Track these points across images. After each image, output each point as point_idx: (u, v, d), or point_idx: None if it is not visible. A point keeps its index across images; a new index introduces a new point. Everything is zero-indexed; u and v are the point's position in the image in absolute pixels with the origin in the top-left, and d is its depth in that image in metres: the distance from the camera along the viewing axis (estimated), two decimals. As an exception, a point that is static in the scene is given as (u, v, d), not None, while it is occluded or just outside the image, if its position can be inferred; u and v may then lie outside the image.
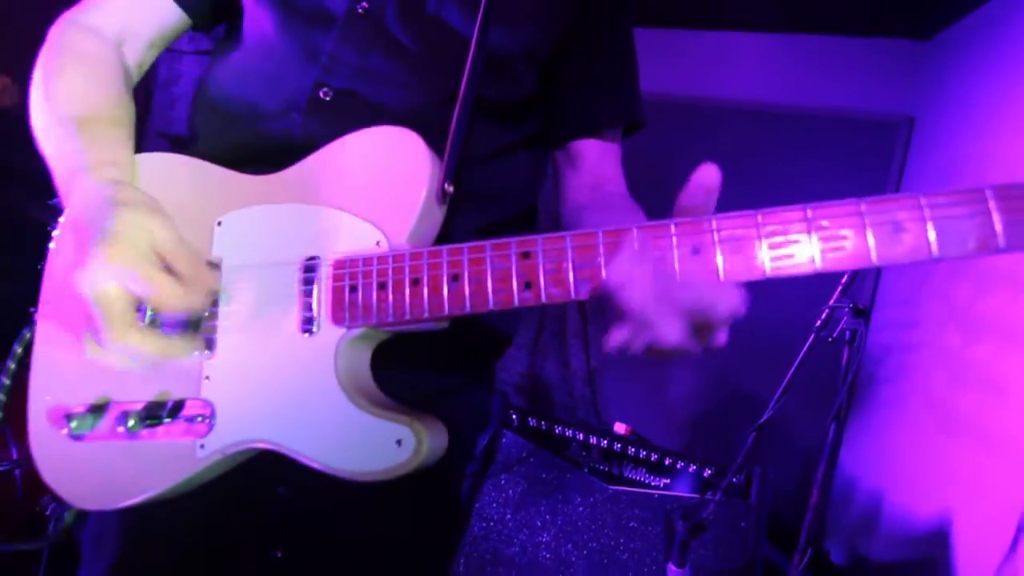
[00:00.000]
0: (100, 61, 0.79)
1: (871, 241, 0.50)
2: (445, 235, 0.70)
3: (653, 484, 1.94)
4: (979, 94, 2.24)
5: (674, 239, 0.54)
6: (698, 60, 3.02)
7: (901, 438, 2.37)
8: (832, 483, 2.78)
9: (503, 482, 1.91)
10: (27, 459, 1.84)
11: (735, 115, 2.96)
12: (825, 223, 0.51)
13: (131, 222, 0.60)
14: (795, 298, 1.49)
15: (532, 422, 2.05)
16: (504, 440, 1.95)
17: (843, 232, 0.51)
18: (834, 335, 1.56)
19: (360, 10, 0.76)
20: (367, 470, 0.60)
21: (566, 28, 0.84)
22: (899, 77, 2.74)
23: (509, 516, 1.89)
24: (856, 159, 2.77)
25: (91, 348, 0.62)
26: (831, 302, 1.61)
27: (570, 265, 0.56)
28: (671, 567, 1.69)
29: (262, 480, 0.78)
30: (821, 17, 2.72)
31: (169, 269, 0.60)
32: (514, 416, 2.05)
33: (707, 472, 1.89)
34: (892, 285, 2.69)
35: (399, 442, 0.59)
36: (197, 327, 0.67)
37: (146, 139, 1.00)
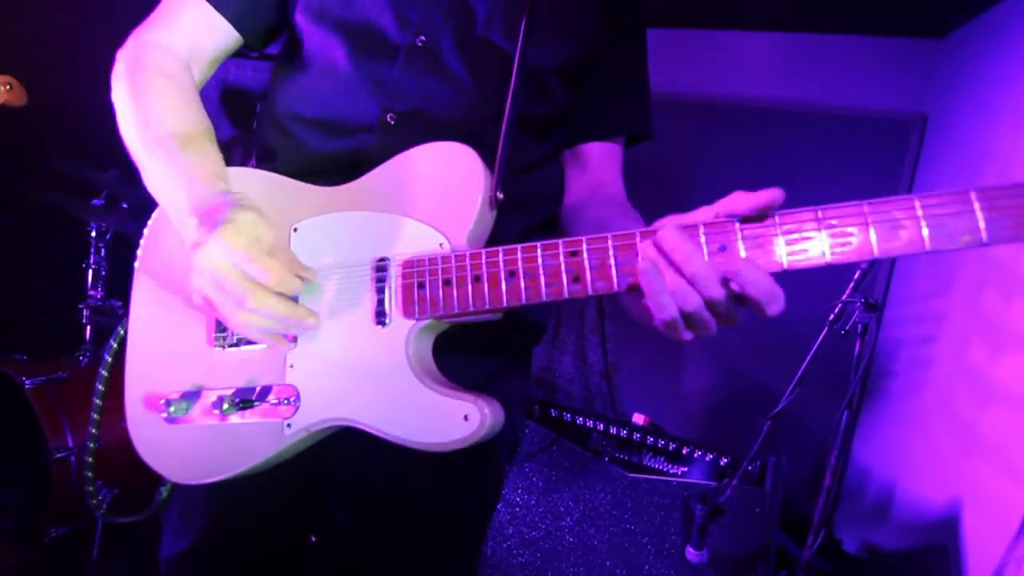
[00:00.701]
0: (183, 82, 0.87)
1: (873, 237, 0.58)
2: (492, 236, 0.78)
3: (671, 472, 2.01)
4: (992, 92, 2.27)
5: (703, 237, 0.62)
6: (715, 59, 3.07)
7: (912, 430, 2.42)
8: (845, 474, 2.84)
9: (527, 470, 2.00)
10: (82, 447, 1.96)
11: (751, 113, 3.02)
12: (834, 221, 0.59)
13: (247, 218, 0.70)
14: (807, 294, 1.56)
15: (554, 413, 2.14)
16: (527, 430, 2.04)
17: (849, 229, 0.59)
18: (847, 328, 1.63)
19: (419, 42, 0.85)
20: (438, 441, 0.69)
21: (592, 46, 0.92)
22: (913, 75, 2.77)
23: (534, 502, 1.98)
24: (870, 156, 2.82)
25: (232, 314, 0.70)
26: (844, 297, 1.68)
27: (612, 262, 0.65)
28: (689, 549, 1.77)
29: (312, 475, 0.88)
30: (836, 15, 2.77)
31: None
32: (536, 407, 2.14)
33: (723, 461, 1.96)
34: (905, 282, 2.73)
35: (466, 417, 0.68)
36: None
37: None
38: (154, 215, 0.91)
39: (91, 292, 2.42)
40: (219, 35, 0.91)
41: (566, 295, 0.66)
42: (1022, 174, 1.90)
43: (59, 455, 1.94)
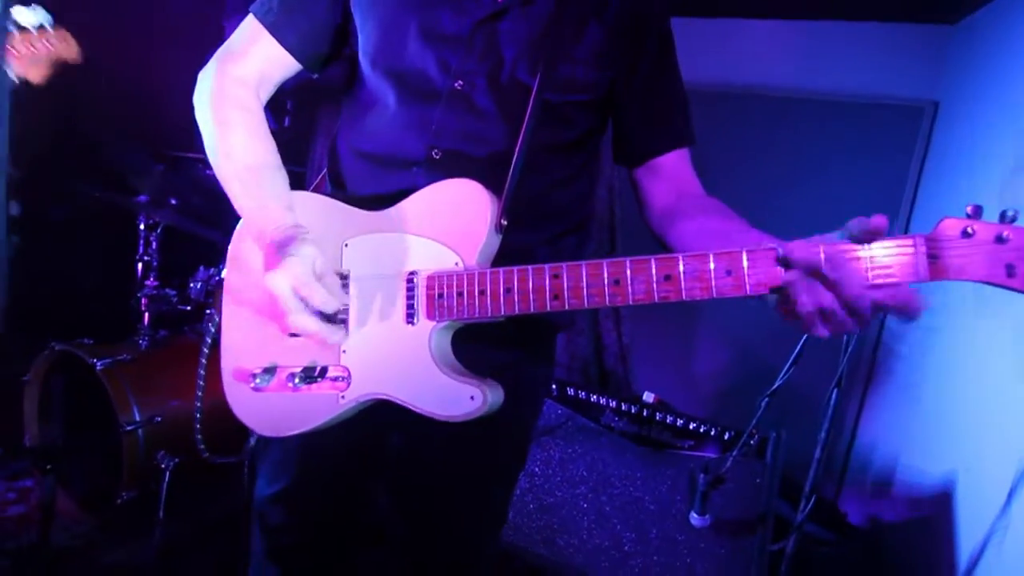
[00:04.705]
0: (255, 113, 1.04)
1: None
2: (522, 247, 0.93)
3: (678, 445, 2.17)
4: (1004, 79, 2.28)
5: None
6: (728, 48, 3.12)
7: (912, 409, 2.53)
8: (851, 453, 2.97)
9: (545, 443, 2.19)
10: (148, 420, 2.20)
11: (765, 101, 3.06)
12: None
13: (305, 251, 0.89)
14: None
15: (571, 391, 2.31)
16: (545, 407, 2.22)
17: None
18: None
19: (458, 86, 0.98)
20: (451, 414, 0.89)
21: (614, 77, 1.02)
22: (925, 62, 2.79)
23: (551, 472, 2.17)
24: (882, 142, 2.84)
25: (295, 318, 0.89)
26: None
27: (584, 284, 0.82)
28: (693, 515, 1.94)
29: (380, 428, 1.07)
30: (848, 3, 2.79)
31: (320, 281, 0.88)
32: (554, 387, 2.32)
33: (727, 435, 2.11)
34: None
35: (472, 397, 0.88)
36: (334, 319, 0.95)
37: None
38: (234, 235, 1.09)
39: (147, 282, 2.66)
40: (283, 64, 1.06)
41: (548, 309, 0.83)
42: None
43: (128, 428, 2.16)
